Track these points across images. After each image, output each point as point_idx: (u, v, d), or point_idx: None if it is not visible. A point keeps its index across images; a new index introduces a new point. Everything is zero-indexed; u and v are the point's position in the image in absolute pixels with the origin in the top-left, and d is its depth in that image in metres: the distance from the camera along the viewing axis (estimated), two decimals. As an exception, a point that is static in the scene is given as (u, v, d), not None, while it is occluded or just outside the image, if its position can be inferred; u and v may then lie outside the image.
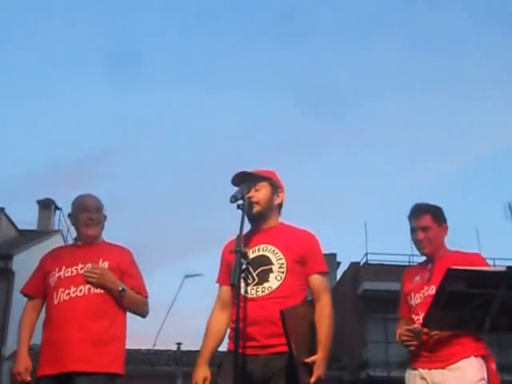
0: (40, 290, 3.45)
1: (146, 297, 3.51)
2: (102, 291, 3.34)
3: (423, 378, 3.31)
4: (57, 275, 3.38)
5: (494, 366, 3.29)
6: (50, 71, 36.19)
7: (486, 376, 3.22)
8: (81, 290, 3.33)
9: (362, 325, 20.35)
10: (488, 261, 3.56)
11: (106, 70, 37.36)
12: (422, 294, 3.42)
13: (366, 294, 20.02)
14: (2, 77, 34.69)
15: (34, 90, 34.83)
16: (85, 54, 34.56)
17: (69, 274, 3.37)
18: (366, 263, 21.41)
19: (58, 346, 3.28)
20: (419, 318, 3.33)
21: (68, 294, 3.33)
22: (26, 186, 30.86)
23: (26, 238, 17.85)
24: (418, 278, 3.48)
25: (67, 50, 34.72)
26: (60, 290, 3.34)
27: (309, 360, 2.82)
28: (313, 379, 2.80)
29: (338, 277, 22.79)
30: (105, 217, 3.54)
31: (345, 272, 22.39)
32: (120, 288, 3.34)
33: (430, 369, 3.30)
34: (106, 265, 3.39)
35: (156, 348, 20.11)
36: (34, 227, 19.46)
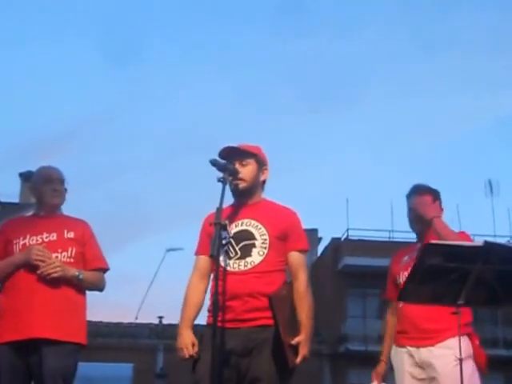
0: (0, 257, 3.36)
1: (107, 268, 3.49)
2: (71, 260, 3.33)
3: (411, 356, 3.33)
4: (21, 243, 3.33)
5: (477, 342, 3.33)
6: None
7: (471, 353, 3.26)
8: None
9: (341, 300, 20.57)
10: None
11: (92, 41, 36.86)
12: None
13: (347, 270, 20.21)
14: None
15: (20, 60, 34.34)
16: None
17: (34, 242, 3.33)
18: (346, 239, 21.59)
19: (23, 312, 3.20)
20: None
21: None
22: (8, 158, 30.55)
23: (7, 210, 17.64)
24: (406, 258, 3.49)
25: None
26: None
27: (294, 342, 2.86)
28: (299, 359, 2.87)
29: (319, 252, 22.95)
30: (65, 190, 3.51)
31: (326, 247, 22.55)
32: (77, 273, 3.31)
33: (418, 347, 3.31)
34: (71, 235, 3.39)
35: (138, 321, 20.18)
36: (16, 200, 19.34)
